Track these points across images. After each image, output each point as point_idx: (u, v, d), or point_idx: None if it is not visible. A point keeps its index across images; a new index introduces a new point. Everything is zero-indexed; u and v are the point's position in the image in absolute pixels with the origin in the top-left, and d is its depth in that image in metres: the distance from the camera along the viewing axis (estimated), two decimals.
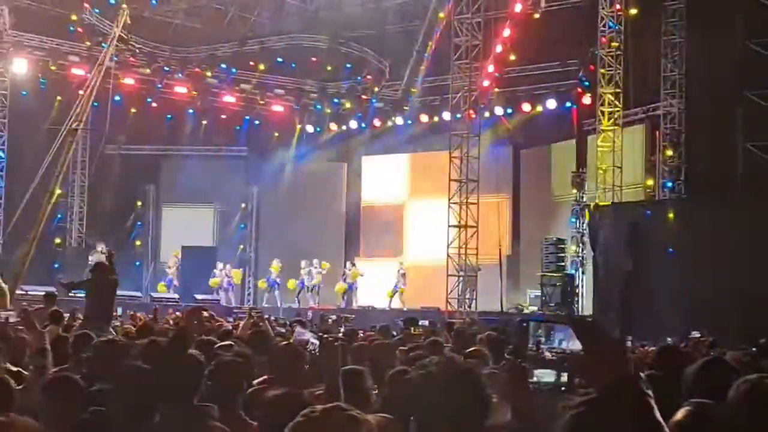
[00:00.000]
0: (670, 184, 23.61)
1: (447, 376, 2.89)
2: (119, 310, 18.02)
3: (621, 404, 2.46)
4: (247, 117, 32.77)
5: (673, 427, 2.88)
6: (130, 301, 24.68)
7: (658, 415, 2.50)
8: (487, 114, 27.08)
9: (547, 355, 3.59)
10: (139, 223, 33.31)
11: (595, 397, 2.48)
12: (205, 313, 16.26)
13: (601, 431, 2.46)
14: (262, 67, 31.14)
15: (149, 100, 31.06)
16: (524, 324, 3.51)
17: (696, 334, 14.44)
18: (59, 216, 29.96)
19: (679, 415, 2.93)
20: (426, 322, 16.64)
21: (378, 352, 7.36)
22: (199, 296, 27.48)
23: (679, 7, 23.44)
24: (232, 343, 7.51)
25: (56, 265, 29.30)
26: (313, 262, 29.22)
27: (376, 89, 30.37)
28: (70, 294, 22.38)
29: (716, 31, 21.55)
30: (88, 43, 29.03)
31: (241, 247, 33.03)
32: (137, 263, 31.97)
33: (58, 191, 23.99)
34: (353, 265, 29.55)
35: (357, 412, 2.53)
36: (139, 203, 33.28)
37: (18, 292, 20.16)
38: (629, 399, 2.47)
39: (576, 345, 3.29)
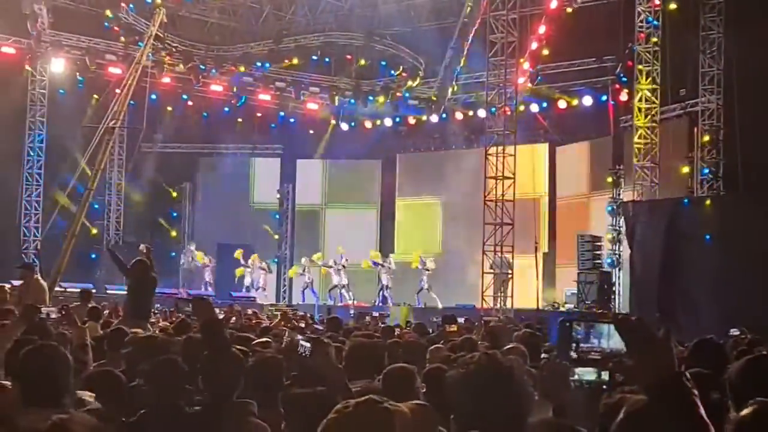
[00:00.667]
0: (706, 171, 23.29)
1: (488, 374, 2.87)
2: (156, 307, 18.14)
3: (669, 404, 2.43)
4: (282, 114, 32.84)
5: (738, 424, 2.85)
6: (168, 297, 24.73)
7: (703, 413, 2.47)
8: (521, 108, 26.90)
9: (585, 352, 3.54)
10: (174, 213, 33.51)
11: (643, 399, 2.46)
12: (249, 311, 16.41)
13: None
14: (296, 61, 31.21)
15: (185, 98, 31.23)
16: (567, 324, 3.47)
17: (735, 331, 14.21)
18: (95, 205, 30.03)
19: (744, 412, 2.90)
20: (462, 320, 16.58)
21: (408, 349, 7.35)
22: (235, 294, 27.63)
23: (718, 2, 23.14)
24: (270, 339, 7.54)
25: (93, 256, 29.52)
26: (341, 258, 29.30)
27: (411, 86, 30.31)
28: (107, 288, 22.75)
29: (755, 26, 21.22)
30: (123, 41, 29.24)
31: (276, 236, 33.09)
32: (172, 254, 31.86)
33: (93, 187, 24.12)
34: (386, 259, 29.42)
35: (390, 403, 2.53)
36: (175, 194, 33.39)
37: (56, 288, 20.32)
38: (677, 399, 2.44)
39: (616, 343, 3.25)
